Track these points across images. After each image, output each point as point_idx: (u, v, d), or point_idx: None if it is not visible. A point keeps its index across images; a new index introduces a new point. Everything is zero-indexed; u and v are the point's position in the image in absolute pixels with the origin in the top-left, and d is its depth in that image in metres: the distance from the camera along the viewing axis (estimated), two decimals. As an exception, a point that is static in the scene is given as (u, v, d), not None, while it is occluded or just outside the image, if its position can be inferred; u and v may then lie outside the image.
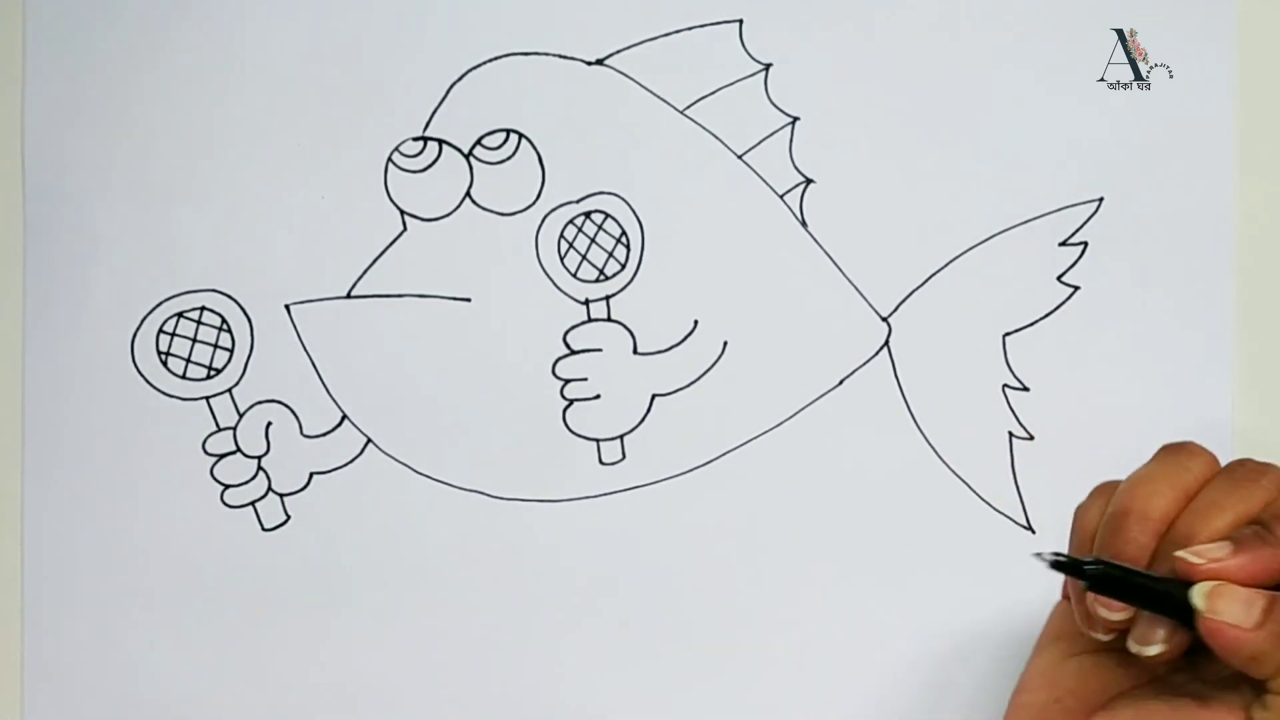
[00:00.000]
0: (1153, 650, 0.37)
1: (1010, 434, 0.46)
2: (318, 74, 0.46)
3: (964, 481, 0.46)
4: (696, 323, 0.46)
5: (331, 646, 0.46)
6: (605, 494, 0.46)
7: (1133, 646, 0.38)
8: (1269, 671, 0.35)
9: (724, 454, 0.46)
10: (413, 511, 0.46)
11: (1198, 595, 0.36)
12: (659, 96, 0.46)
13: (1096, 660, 0.39)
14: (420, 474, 0.46)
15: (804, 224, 0.46)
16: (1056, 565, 0.37)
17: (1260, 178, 0.46)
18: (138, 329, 0.46)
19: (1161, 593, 0.36)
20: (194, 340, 0.46)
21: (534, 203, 0.46)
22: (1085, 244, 0.46)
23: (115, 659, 0.46)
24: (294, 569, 0.46)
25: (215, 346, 0.46)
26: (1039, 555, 0.37)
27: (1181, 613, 0.36)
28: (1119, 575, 0.37)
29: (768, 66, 0.46)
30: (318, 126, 0.46)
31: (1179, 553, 0.36)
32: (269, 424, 0.46)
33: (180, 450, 0.46)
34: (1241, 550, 0.36)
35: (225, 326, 0.46)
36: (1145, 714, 0.37)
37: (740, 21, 0.46)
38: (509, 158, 0.46)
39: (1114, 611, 0.38)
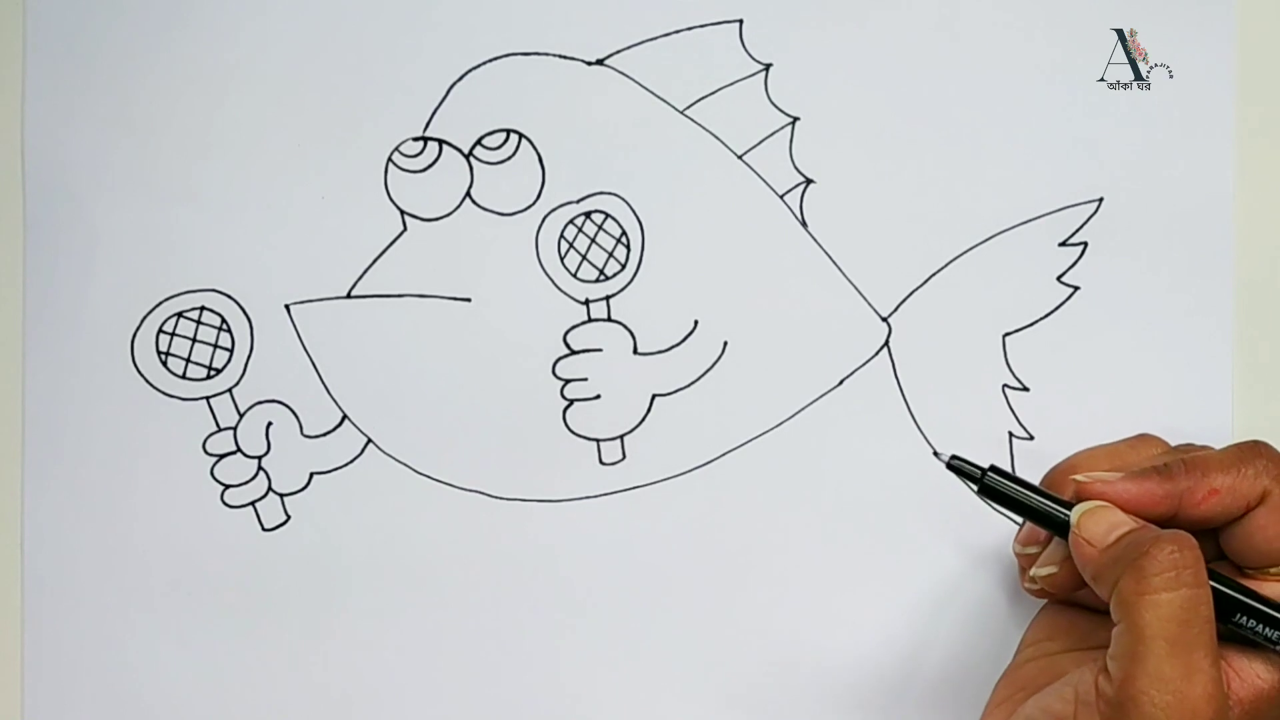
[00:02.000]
0: (1045, 571, 0.40)
1: (1010, 434, 0.46)
2: (318, 74, 0.46)
3: (964, 481, 0.46)
4: (696, 323, 0.46)
5: (331, 646, 0.46)
6: (605, 494, 0.46)
7: (1033, 571, 0.40)
8: (1106, 593, 0.37)
9: (724, 454, 0.46)
10: (413, 511, 0.46)
11: (1075, 512, 0.38)
12: (659, 96, 0.46)
13: (1056, 659, 0.42)
14: (420, 474, 0.46)
15: (804, 224, 0.46)
16: (952, 467, 0.40)
17: (1260, 178, 0.46)
18: (138, 329, 0.46)
19: (1047, 508, 0.39)
20: (194, 340, 0.46)
21: (534, 203, 0.46)
22: (1085, 244, 0.46)
23: (115, 659, 0.46)
24: (294, 569, 0.46)
25: (215, 346, 0.46)
26: (937, 455, 0.41)
27: (1066, 535, 0.39)
28: (1005, 485, 0.40)
29: (768, 66, 0.46)
30: (318, 126, 0.46)
31: (1074, 475, 0.39)
32: (269, 424, 0.46)
33: (180, 450, 0.46)
34: (1131, 479, 0.39)
35: (225, 326, 0.46)
36: (1054, 682, 0.39)
37: (740, 21, 0.46)
38: (509, 158, 0.46)
39: (1023, 545, 0.41)
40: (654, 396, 0.46)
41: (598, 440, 0.46)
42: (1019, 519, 0.43)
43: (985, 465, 0.40)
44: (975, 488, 0.40)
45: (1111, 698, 0.35)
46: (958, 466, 0.40)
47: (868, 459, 0.46)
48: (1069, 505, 0.39)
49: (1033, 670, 0.42)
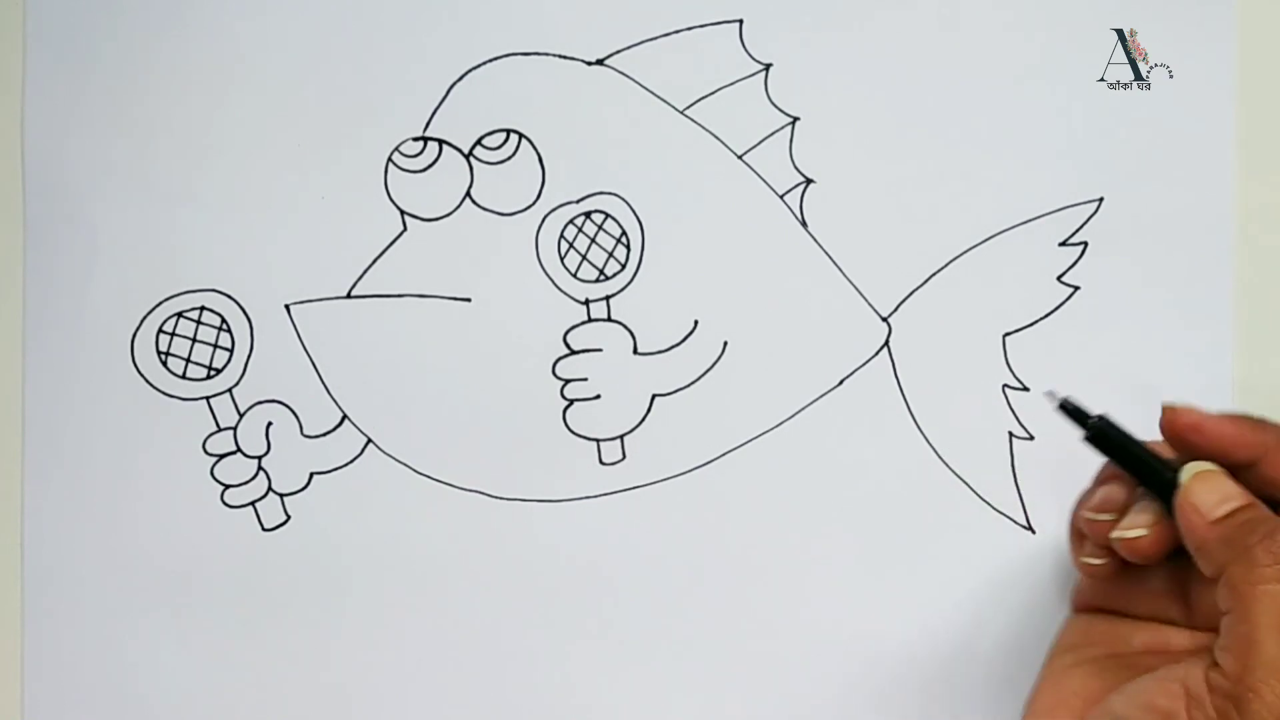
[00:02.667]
0: (1133, 533, 0.38)
1: (1010, 434, 0.46)
2: (318, 74, 0.46)
3: (964, 481, 0.46)
4: (696, 323, 0.46)
5: (332, 646, 0.46)
6: (605, 494, 0.46)
7: (1116, 534, 0.38)
8: (1212, 570, 0.35)
9: (724, 454, 0.46)
10: (413, 511, 0.46)
11: (1186, 472, 0.37)
12: (659, 96, 0.46)
13: (1101, 665, 0.40)
14: (420, 474, 0.46)
15: (804, 224, 0.46)
16: (1063, 407, 0.39)
17: (1260, 178, 0.46)
18: (138, 329, 0.46)
19: (1153, 465, 0.37)
20: (194, 340, 0.46)
21: (534, 203, 0.46)
22: (1085, 244, 0.46)
23: (115, 659, 0.46)
24: (294, 569, 0.46)
25: (215, 346, 0.46)
26: (1050, 394, 0.39)
27: (1168, 495, 0.37)
28: (1116, 434, 0.38)
29: (768, 66, 0.46)
30: (318, 126, 0.46)
31: (1169, 406, 0.38)
32: (269, 424, 0.46)
33: (180, 450, 0.46)
34: (1225, 417, 0.37)
35: (225, 326, 0.46)
36: (1136, 690, 0.37)
37: (740, 21, 0.46)
38: (509, 158, 0.46)
39: (1096, 511, 0.39)
40: (654, 396, 0.46)
41: (598, 440, 0.46)
42: (1023, 522, 0.44)
43: (1097, 414, 0.39)
44: (1084, 433, 0.39)
45: (1229, 690, 0.34)
46: (1070, 408, 0.39)
47: (868, 459, 0.46)
48: (1174, 469, 0.37)
49: (1081, 676, 0.40)
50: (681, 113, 0.46)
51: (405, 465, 0.46)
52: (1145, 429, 0.45)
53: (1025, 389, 0.46)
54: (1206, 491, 0.36)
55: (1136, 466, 0.38)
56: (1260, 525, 0.35)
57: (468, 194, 0.46)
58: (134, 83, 0.46)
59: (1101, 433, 0.39)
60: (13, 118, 0.46)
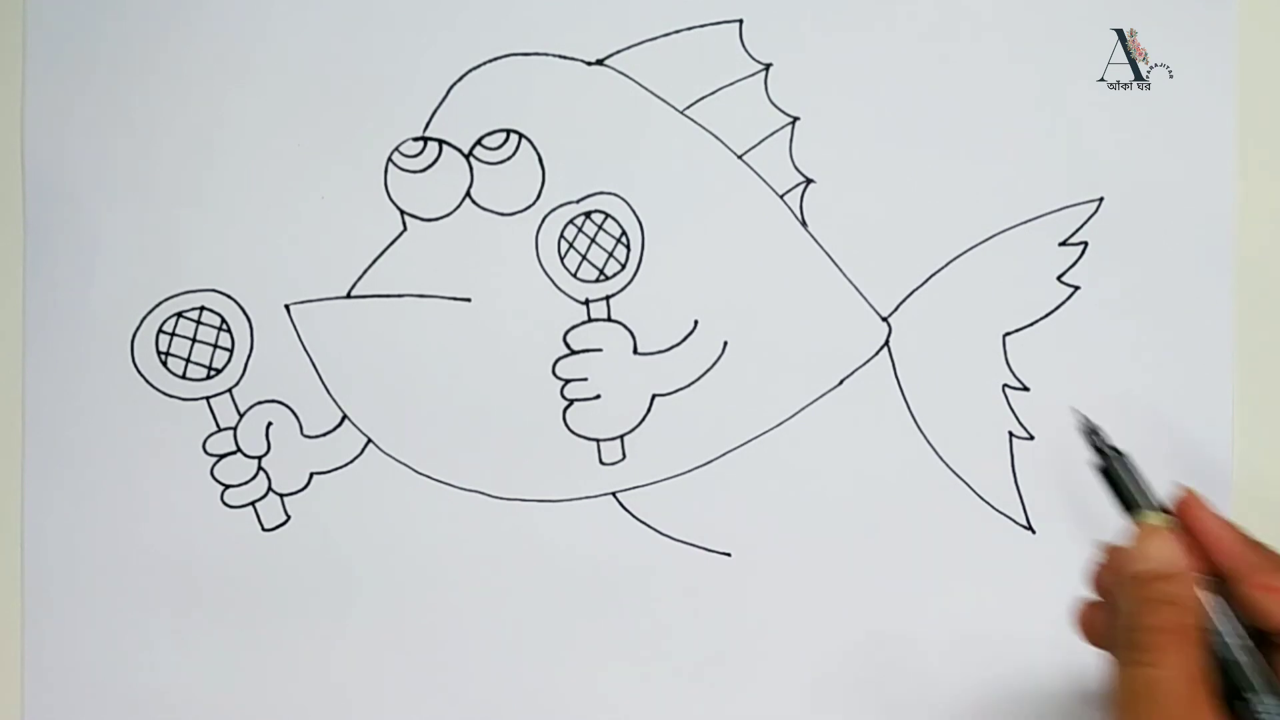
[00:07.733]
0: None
1: (1010, 434, 0.46)
2: (318, 74, 0.46)
3: (964, 481, 0.46)
4: (696, 323, 0.46)
5: (331, 646, 0.46)
6: (605, 494, 0.46)
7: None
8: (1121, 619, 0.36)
9: (724, 454, 0.46)
10: (413, 511, 0.46)
11: (1150, 514, 0.37)
12: (659, 96, 0.46)
13: None
14: (420, 474, 0.46)
15: (804, 224, 0.46)
16: (1091, 442, 0.39)
17: (1260, 178, 0.46)
18: (138, 329, 0.46)
19: (1140, 495, 0.38)
20: (194, 340, 0.46)
21: (534, 203, 0.46)
22: (1085, 244, 0.46)
23: (115, 659, 0.46)
24: (294, 569, 0.46)
25: (215, 346, 0.46)
26: (1075, 411, 0.39)
27: None
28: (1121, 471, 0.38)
29: (768, 66, 0.46)
30: (318, 126, 0.46)
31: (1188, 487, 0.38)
32: (269, 424, 0.46)
33: (180, 450, 0.46)
34: (1226, 523, 0.37)
35: (225, 326, 0.46)
36: None
37: (740, 21, 0.46)
38: (509, 158, 0.46)
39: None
40: (654, 396, 0.46)
41: (598, 440, 0.46)
42: (1023, 521, 0.44)
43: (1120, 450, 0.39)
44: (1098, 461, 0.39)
45: None
46: (1095, 443, 0.39)
47: (868, 459, 0.46)
48: (1143, 509, 0.38)
49: None
50: (681, 113, 0.46)
51: (405, 465, 0.46)
52: (1143, 428, 0.45)
53: (1025, 389, 0.46)
54: (1143, 544, 0.37)
55: (1124, 487, 0.38)
56: (1165, 610, 0.35)
57: (468, 194, 0.46)
58: (134, 83, 0.46)
59: (1111, 468, 0.39)
60: (13, 118, 0.46)
